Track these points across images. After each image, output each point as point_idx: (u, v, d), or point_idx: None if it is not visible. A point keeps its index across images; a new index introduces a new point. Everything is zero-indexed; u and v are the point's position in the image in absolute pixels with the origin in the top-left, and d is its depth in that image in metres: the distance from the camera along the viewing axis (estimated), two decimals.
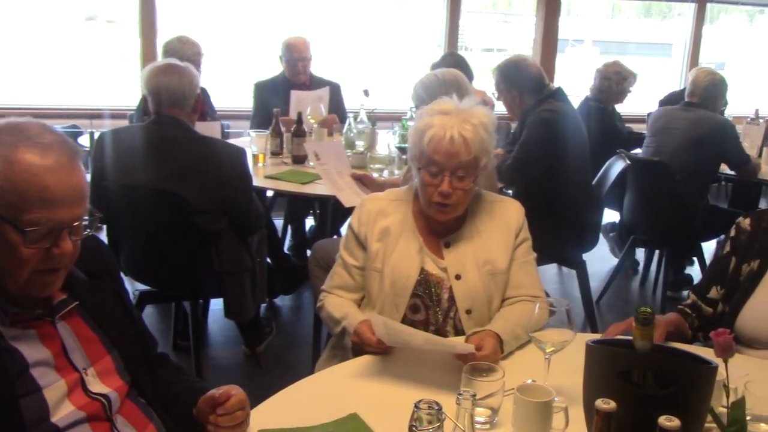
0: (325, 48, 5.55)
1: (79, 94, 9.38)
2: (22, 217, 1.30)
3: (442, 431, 1.25)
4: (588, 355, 1.45)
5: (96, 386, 1.47)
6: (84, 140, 4.53)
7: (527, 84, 3.78)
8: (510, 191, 3.94)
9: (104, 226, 3.17)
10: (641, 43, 19.61)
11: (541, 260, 4.22)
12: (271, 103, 4.41)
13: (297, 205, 4.76)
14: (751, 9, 10.48)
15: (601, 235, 5.00)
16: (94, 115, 5.59)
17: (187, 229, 2.94)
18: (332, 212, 4.01)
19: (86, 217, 1.40)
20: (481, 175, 2.08)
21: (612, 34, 17.98)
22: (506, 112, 4.07)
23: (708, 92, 4.26)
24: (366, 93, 4.43)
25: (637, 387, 1.38)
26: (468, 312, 2.06)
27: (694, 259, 4.76)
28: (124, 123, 4.90)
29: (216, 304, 3.97)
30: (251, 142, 3.97)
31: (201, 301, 3.72)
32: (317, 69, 4.93)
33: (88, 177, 1.43)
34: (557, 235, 3.68)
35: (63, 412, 1.40)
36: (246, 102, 5.51)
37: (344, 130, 4.26)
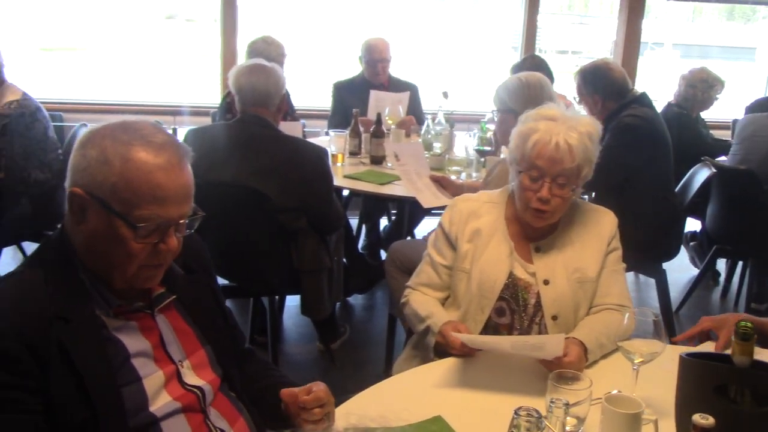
0: (404, 49, 5.57)
1: (161, 91, 9.66)
2: (134, 213, 1.35)
3: None
4: (682, 369, 1.42)
5: (191, 378, 1.51)
6: None
7: (610, 88, 3.71)
8: (586, 197, 3.88)
9: None
10: (724, 47, 19.01)
11: None
12: (350, 104, 4.45)
13: (372, 205, 4.79)
14: None
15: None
16: (176, 111, 5.74)
17: (269, 226, 3.00)
18: (409, 213, 4.02)
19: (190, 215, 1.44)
20: (581, 184, 2.05)
21: (693, 37, 17.49)
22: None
23: None
24: (445, 95, 4.43)
25: (734, 403, 1.35)
26: (554, 318, 2.04)
27: None
28: (205, 120, 5.03)
29: (291, 301, 4.04)
30: (330, 142, 4.01)
31: (277, 297, 3.79)
32: (396, 70, 4.95)
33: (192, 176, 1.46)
34: (637, 242, 3.57)
35: (160, 402, 1.44)
36: (322, 101, 5.57)
37: (422, 132, 4.26)
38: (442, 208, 3.50)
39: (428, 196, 3.31)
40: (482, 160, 3.75)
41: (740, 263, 4.55)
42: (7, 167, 3.63)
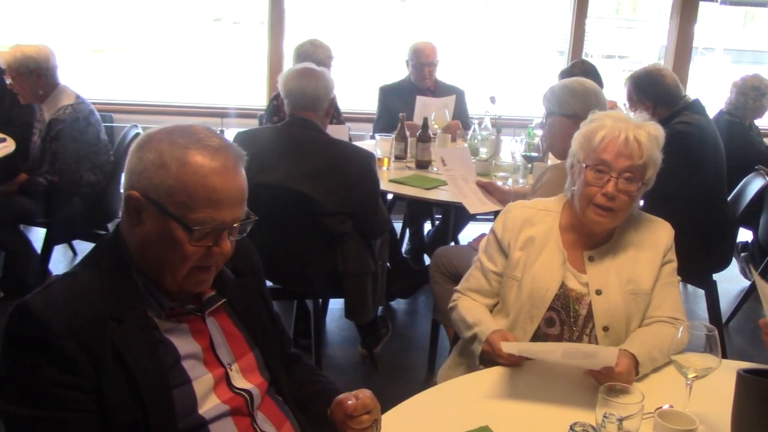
0: (450, 53, 5.55)
1: (208, 93, 9.78)
2: (190, 215, 1.36)
3: None
4: (740, 386, 1.38)
5: (239, 382, 1.52)
6: None
7: (662, 95, 3.65)
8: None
9: None
10: None
11: None
12: (396, 108, 4.45)
13: (417, 209, 4.78)
14: None
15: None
16: (223, 113, 5.80)
17: (315, 229, 3.01)
18: (454, 219, 4.00)
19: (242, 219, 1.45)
20: (646, 187, 2.02)
21: (745, 42, 17.12)
22: None
23: None
24: (492, 100, 4.40)
25: None
26: (605, 329, 2.01)
27: None
28: (251, 122, 5.07)
29: (333, 304, 4.05)
30: (376, 146, 4.01)
31: (320, 300, 3.80)
32: (442, 74, 4.94)
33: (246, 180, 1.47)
34: (687, 252, 3.50)
35: (209, 404, 1.45)
36: (368, 105, 5.58)
37: (468, 137, 4.24)
38: (488, 214, 3.50)
39: (475, 202, 3.29)
40: (529, 166, 3.72)
41: None
42: (60, 170, 3.71)
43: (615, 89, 4.54)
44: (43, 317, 1.30)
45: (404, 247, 4.86)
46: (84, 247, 4.63)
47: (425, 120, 3.99)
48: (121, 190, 4.09)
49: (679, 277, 2.11)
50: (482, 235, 3.24)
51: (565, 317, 2.03)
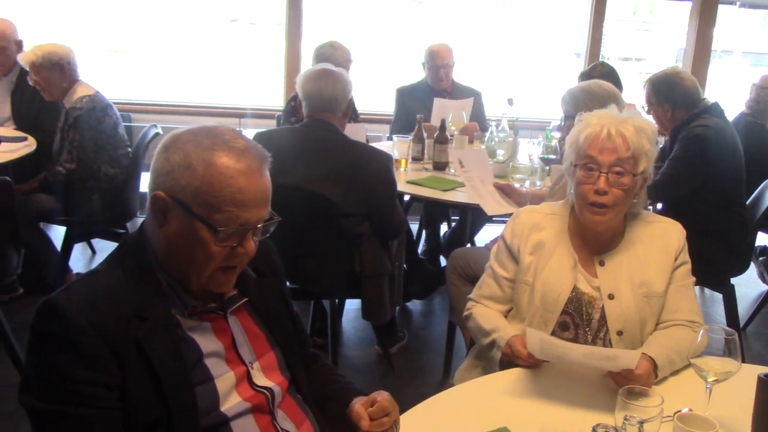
0: (467, 55, 5.56)
1: (226, 93, 9.82)
2: (215, 216, 1.38)
3: None
4: (761, 390, 1.38)
5: (261, 380, 1.54)
6: None
7: (681, 98, 3.63)
8: (650, 208, 3.80)
9: None
10: None
11: None
12: (413, 109, 4.46)
13: (433, 211, 4.79)
14: None
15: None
16: (241, 114, 5.83)
17: (332, 230, 3.02)
18: (471, 220, 4.01)
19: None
20: (640, 181, 2.01)
21: (764, 45, 16.98)
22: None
23: None
24: (510, 102, 4.40)
25: None
26: (619, 333, 2.00)
27: None
28: (269, 122, 5.09)
29: (350, 304, 4.06)
30: (393, 147, 4.02)
31: (337, 300, 3.82)
32: (459, 76, 4.94)
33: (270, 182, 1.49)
34: (705, 256, 3.49)
35: (231, 402, 1.47)
36: (385, 106, 5.59)
37: (485, 139, 4.24)
38: (505, 216, 3.49)
39: (492, 204, 3.29)
40: (547, 168, 3.71)
41: None
42: (78, 159, 3.76)
43: (632, 92, 4.53)
44: (69, 314, 1.32)
45: (420, 249, 4.87)
46: (103, 245, 4.67)
47: (442, 121, 4.00)
48: (140, 189, 4.14)
49: (694, 278, 2.10)
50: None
51: (579, 321, 2.03)
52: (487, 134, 4.26)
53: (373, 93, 6.73)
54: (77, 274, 4.21)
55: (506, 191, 3.39)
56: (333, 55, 4.22)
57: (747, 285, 4.65)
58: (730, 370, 1.64)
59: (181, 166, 1.38)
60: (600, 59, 6.00)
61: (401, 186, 3.67)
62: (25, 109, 4.27)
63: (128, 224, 4.21)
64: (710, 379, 1.66)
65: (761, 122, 4.72)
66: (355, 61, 4.54)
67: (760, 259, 4.81)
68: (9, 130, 4.23)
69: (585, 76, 4.21)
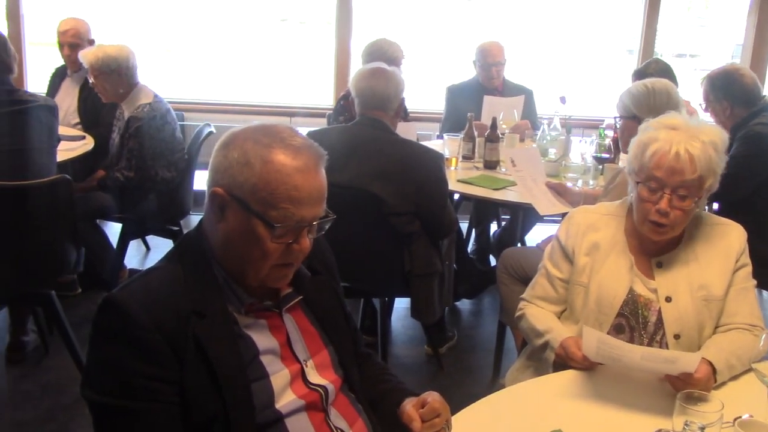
0: (519, 52, 5.51)
1: (276, 92, 9.91)
2: (272, 213, 1.39)
3: None
4: None
5: (314, 378, 1.54)
6: None
7: (740, 95, 3.55)
8: (706, 208, 3.71)
9: None
10: None
11: None
12: (463, 108, 4.43)
13: (483, 210, 4.76)
14: None
15: None
16: (291, 112, 5.87)
17: (383, 229, 3.02)
18: (522, 220, 3.97)
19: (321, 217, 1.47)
20: (704, 196, 1.97)
21: None
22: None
23: None
24: (563, 100, 4.35)
25: None
26: (676, 337, 1.96)
27: None
28: (319, 121, 5.12)
29: (399, 303, 4.06)
30: (444, 146, 4.01)
31: (386, 299, 3.82)
32: (510, 74, 4.90)
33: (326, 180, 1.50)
34: (765, 257, 3.42)
35: (285, 399, 1.48)
36: (433, 105, 5.58)
37: (537, 137, 4.20)
38: (556, 215, 3.46)
39: (545, 203, 3.25)
40: (600, 167, 3.66)
41: None
42: (137, 167, 3.82)
43: (687, 89, 4.43)
44: (129, 310, 1.35)
45: (470, 248, 4.85)
46: (157, 242, 4.76)
47: (494, 120, 3.97)
48: (194, 188, 4.20)
49: (755, 281, 2.05)
50: (551, 237, 3.21)
51: (635, 324, 2.00)
52: (539, 133, 4.21)
53: (422, 92, 6.73)
54: (132, 270, 4.30)
55: (559, 191, 3.35)
56: (388, 48, 4.23)
57: None
58: None
59: (240, 163, 1.39)
60: (654, 56, 5.89)
61: (452, 185, 3.65)
62: (90, 104, 4.38)
63: (182, 222, 4.27)
64: None
65: None
66: (406, 59, 4.53)
67: None
68: (68, 129, 4.33)
69: (639, 74, 4.13)
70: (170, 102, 4.09)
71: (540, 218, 4.15)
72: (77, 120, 4.55)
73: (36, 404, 3.10)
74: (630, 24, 6.37)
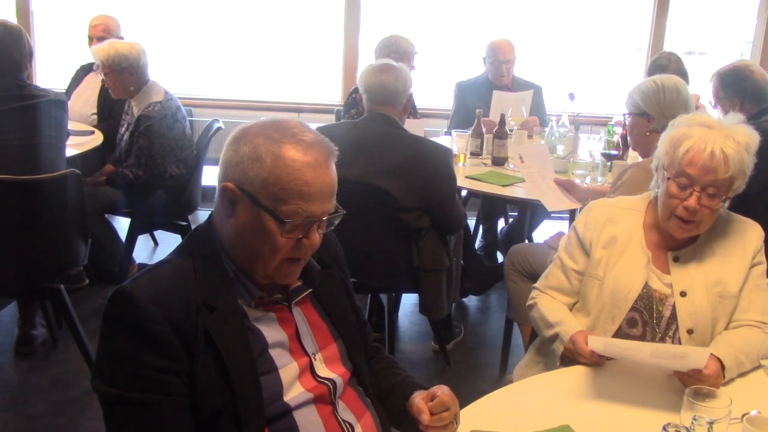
0: (528, 49, 5.50)
1: (285, 89, 9.90)
2: (282, 208, 1.40)
3: None
4: None
5: (323, 371, 1.55)
6: None
7: (750, 91, 3.54)
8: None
9: None
10: None
11: None
12: (472, 104, 4.43)
13: (491, 206, 4.76)
14: None
15: None
16: (299, 109, 5.88)
17: (392, 224, 3.03)
18: (530, 216, 3.97)
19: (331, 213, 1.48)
20: (731, 196, 1.96)
21: None
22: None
23: None
24: (571, 97, 4.34)
25: None
26: (689, 332, 1.96)
27: None
28: (327, 117, 5.13)
29: (406, 299, 4.06)
30: (452, 142, 4.01)
31: (393, 294, 3.82)
32: (519, 70, 4.89)
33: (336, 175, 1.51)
34: None
35: (294, 392, 1.48)
36: (443, 101, 5.57)
37: (546, 134, 4.19)
38: (563, 212, 3.46)
39: (553, 200, 3.25)
40: (608, 164, 3.65)
41: None
42: (146, 165, 3.84)
43: (696, 86, 4.42)
44: (140, 303, 1.35)
45: (477, 244, 4.85)
46: (165, 237, 4.77)
47: (502, 116, 3.96)
48: (202, 183, 4.19)
49: None
50: (559, 234, 3.21)
51: (648, 318, 2.00)
52: (547, 129, 4.21)
53: (431, 88, 6.73)
54: (141, 265, 4.32)
55: (567, 187, 3.35)
56: (400, 43, 4.23)
57: None
58: None
59: (250, 158, 1.40)
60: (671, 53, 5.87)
61: (460, 181, 3.65)
62: (109, 99, 4.39)
63: (190, 217, 4.29)
64: None
65: None
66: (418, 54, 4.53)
67: None
68: (77, 124, 4.35)
69: (660, 68, 4.10)
70: (179, 98, 4.10)
71: (548, 215, 4.14)
72: (94, 111, 4.61)
73: (45, 397, 3.12)
74: (639, 21, 6.34)
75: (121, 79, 3.84)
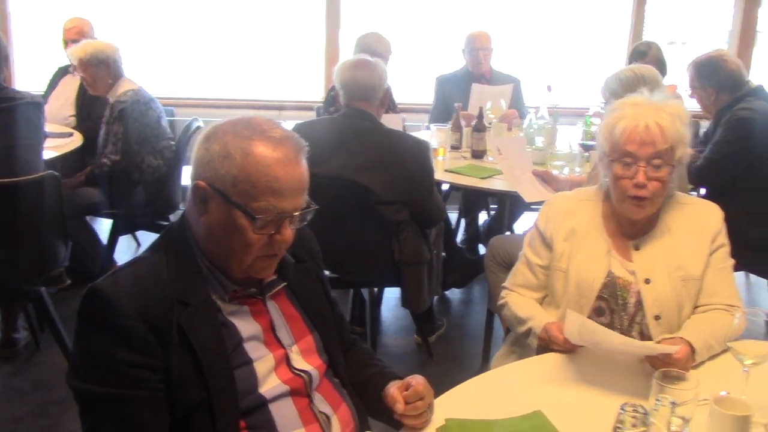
0: (507, 44, 5.55)
1: (266, 87, 9.89)
2: (253, 204, 1.41)
3: None
4: None
5: (299, 363, 1.57)
6: None
7: (725, 81, 3.58)
8: (695, 193, 3.75)
9: None
10: None
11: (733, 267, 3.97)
12: (452, 97, 4.46)
13: (472, 199, 4.79)
14: None
15: None
16: (281, 106, 5.89)
17: (372, 219, 3.05)
18: (510, 207, 4.00)
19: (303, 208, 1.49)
20: (677, 167, 1.99)
21: None
22: (698, 110, 3.88)
23: None
24: (549, 89, 4.37)
25: None
26: (656, 318, 1.99)
27: None
28: (309, 114, 5.14)
29: (389, 293, 4.09)
30: (431, 136, 4.04)
31: (375, 289, 3.85)
32: (498, 64, 4.93)
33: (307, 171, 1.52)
34: (751, 241, 3.45)
35: (270, 384, 1.50)
36: (423, 96, 5.59)
37: (524, 126, 4.22)
38: (543, 203, 3.47)
39: (531, 191, 3.28)
40: (586, 154, 3.69)
41: None
42: (123, 150, 3.87)
43: (678, 76, 4.46)
44: (114, 299, 1.37)
45: (460, 238, 4.88)
46: (147, 238, 4.77)
47: (480, 109, 3.99)
48: (182, 182, 4.21)
49: (733, 261, 2.07)
50: None
51: (615, 306, 2.03)
52: (526, 121, 4.24)
53: (412, 83, 6.74)
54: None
55: (545, 178, 3.38)
56: (377, 45, 4.26)
57: None
58: (767, 352, 1.62)
59: (221, 155, 1.42)
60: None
61: (439, 174, 3.68)
62: (87, 97, 4.43)
63: (171, 216, 4.29)
64: (747, 363, 1.64)
65: None
66: (394, 53, 4.56)
67: None
68: (55, 126, 4.35)
69: (639, 54, 4.16)
70: (161, 99, 4.14)
71: (527, 206, 4.17)
72: (72, 112, 4.62)
73: (29, 400, 3.13)
74: (619, 12, 6.38)
75: (100, 73, 3.93)
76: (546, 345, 1.96)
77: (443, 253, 3.99)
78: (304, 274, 1.67)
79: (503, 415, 1.61)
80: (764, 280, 3.82)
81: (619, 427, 1.26)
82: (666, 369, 1.63)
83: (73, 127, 4.48)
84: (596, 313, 2.04)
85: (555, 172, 3.54)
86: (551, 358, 1.89)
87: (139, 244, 4.90)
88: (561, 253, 2.08)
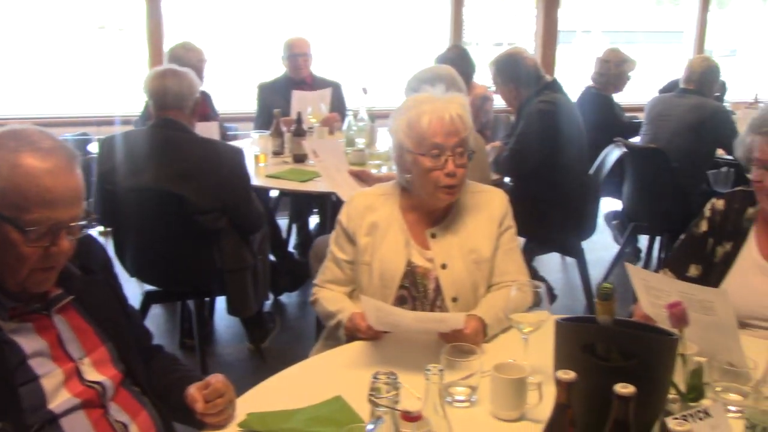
0: (326, 49, 5.65)
1: (90, 102, 9.55)
2: (24, 217, 1.39)
3: (398, 399, 1.35)
4: (556, 332, 1.50)
5: (91, 375, 1.55)
6: (93, 147, 4.62)
7: (523, 77, 3.83)
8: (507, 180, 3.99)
9: (110, 229, 3.27)
10: (652, 32, 19.50)
11: (542, 249, 4.27)
12: (274, 104, 4.48)
13: (300, 203, 4.84)
14: None
15: (604, 223, 5.05)
16: (103, 122, 5.68)
17: (190, 228, 3.02)
18: (332, 208, 4.08)
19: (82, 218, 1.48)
20: (474, 155, 2.15)
21: (622, 23, 17.89)
22: (505, 106, 4.13)
23: (704, 78, 4.31)
24: (364, 91, 4.50)
25: (603, 360, 1.44)
26: (454, 300, 2.12)
27: None
28: (128, 128, 4.99)
29: (221, 302, 4.06)
30: (253, 143, 4.05)
31: (207, 299, 3.81)
32: (319, 70, 5.01)
33: (83, 180, 1.51)
34: (556, 224, 3.73)
35: (59, 399, 1.48)
36: (248, 105, 5.59)
37: (344, 128, 4.33)
38: None
39: (347, 191, 3.34)
40: None
41: (658, 238, 4.70)
42: None
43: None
44: None
45: (292, 242, 4.92)
46: None
47: (299, 114, 4.06)
48: None
49: (519, 240, 2.25)
50: None
51: (416, 293, 2.14)
52: (346, 123, 4.34)
53: (237, 91, 6.72)
54: None
55: (362, 177, 3.46)
56: (185, 56, 4.21)
57: (604, 248, 4.94)
58: (540, 319, 1.78)
59: None
60: (464, 45, 6.19)
61: (261, 180, 3.71)
62: None
63: None
64: (525, 330, 1.79)
65: (605, 94, 5.00)
66: (216, 60, 4.53)
67: (613, 222, 5.12)
68: None
69: (440, 58, 4.36)
70: None
71: None
72: None
73: None
74: (438, 15, 6.64)
75: None
76: (353, 334, 2.03)
77: (274, 258, 4.02)
78: (93, 286, 1.65)
79: (306, 404, 1.67)
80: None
81: (372, 394, 1.35)
82: (457, 344, 1.76)
83: None
84: (399, 302, 2.14)
85: (374, 170, 3.65)
86: (354, 347, 1.97)
87: None
88: (364, 247, 2.17)
